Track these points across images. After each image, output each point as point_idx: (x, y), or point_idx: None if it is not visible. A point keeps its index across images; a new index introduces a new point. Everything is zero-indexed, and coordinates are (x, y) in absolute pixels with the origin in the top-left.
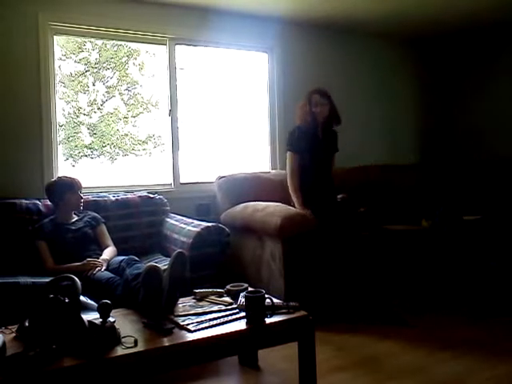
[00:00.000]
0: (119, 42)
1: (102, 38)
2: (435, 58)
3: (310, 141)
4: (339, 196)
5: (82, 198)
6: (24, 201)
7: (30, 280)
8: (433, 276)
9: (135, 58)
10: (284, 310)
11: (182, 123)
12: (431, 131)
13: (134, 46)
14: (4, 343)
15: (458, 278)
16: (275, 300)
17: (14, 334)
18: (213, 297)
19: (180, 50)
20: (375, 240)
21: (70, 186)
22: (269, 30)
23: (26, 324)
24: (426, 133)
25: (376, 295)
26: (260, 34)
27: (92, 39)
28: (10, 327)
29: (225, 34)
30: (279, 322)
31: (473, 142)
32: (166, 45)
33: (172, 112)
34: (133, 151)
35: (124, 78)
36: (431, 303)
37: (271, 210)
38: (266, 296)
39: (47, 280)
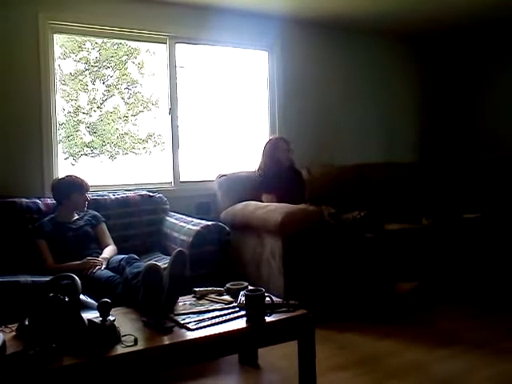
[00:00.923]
0: (119, 41)
1: (102, 37)
2: (434, 56)
3: (277, 183)
4: (356, 213)
5: (88, 199)
6: (24, 199)
7: (29, 279)
8: (432, 274)
9: (135, 57)
10: (284, 309)
11: (182, 122)
12: (430, 129)
13: (133, 44)
14: (4, 342)
15: (457, 276)
16: (275, 298)
17: (14, 333)
18: (213, 295)
19: (180, 48)
20: (379, 241)
21: (79, 187)
22: (269, 29)
23: (26, 323)
24: (425, 131)
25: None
26: (260, 33)
27: (92, 38)
28: (9, 326)
29: (225, 32)
30: (279, 320)
31: (472, 139)
32: (166, 43)
33: (172, 110)
34: (133, 150)
35: (124, 77)
36: (430, 301)
37: (272, 208)
38: (266, 294)
39: (47, 279)
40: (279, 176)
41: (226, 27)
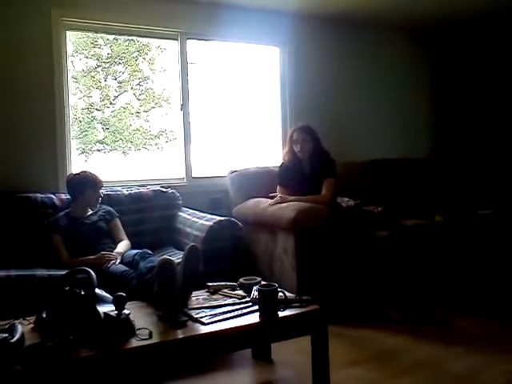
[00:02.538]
0: (131, 37)
1: (113, 34)
2: (447, 49)
3: (296, 176)
4: (373, 207)
5: (101, 196)
6: (39, 195)
7: (45, 272)
8: (446, 271)
9: (146, 54)
10: (297, 304)
11: (193, 117)
12: (444, 124)
13: (144, 41)
14: (23, 334)
15: (472, 273)
16: (288, 294)
17: (31, 325)
18: (226, 290)
19: (191, 44)
20: (395, 239)
21: (92, 183)
22: (280, 24)
23: (44, 315)
24: (439, 126)
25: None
26: (272, 29)
27: (104, 34)
28: (28, 318)
29: (236, 28)
30: (292, 315)
31: (487, 134)
32: (177, 40)
33: (184, 106)
34: (145, 146)
35: (135, 73)
36: (444, 298)
37: (285, 204)
38: (279, 289)
39: (63, 273)
40: (297, 168)
41: (237, 23)
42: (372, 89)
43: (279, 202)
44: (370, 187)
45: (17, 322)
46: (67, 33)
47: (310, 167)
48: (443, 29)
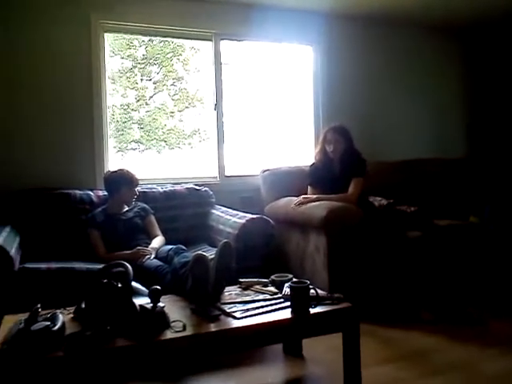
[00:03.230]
0: (165, 39)
1: (149, 35)
2: (484, 47)
3: (326, 176)
4: (405, 207)
5: (136, 194)
6: (78, 191)
7: (84, 266)
8: (481, 272)
9: (180, 54)
10: (328, 301)
11: (226, 117)
12: (479, 124)
13: (178, 42)
14: (63, 323)
15: (507, 275)
16: (320, 291)
17: (71, 315)
18: (258, 286)
19: (224, 44)
20: (428, 239)
21: (128, 181)
22: (313, 24)
23: (83, 306)
24: (474, 125)
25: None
26: (304, 28)
27: (139, 36)
28: (68, 309)
29: (269, 27)
30: (324, 312)
31: None
32: (211, 40)
33: (217, 106)
34: (178, 145)
35: (170, 74)
36: (478, 300)
37: (316, 203)
38: (311, 286)
39: (100, 266)
40: (327, 168)
41: (269, 23)
42: (405, 88)
43: (302, 203)
44: (404, 187)
45: (58, 311)
46: (105, 35)
47: (340, 167)
48: (478, 27)
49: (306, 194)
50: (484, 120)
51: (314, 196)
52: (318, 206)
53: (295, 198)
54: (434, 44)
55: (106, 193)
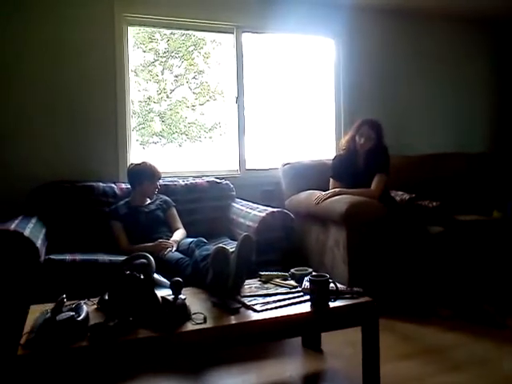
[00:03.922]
0: (187, 32)
1: (172, 28)
2: (508, 41)
3: (349, 169)
4: (428, 202)
5: (158, 187)
6: (101, 184)
7: (107, 258)
8: (504, 269)
9: (201, 48)
10: (348, 295)
11: (247, 110)
12: (504, 118)
13: (200, 35)
14: (87, 313)
15: None
16: (339, 285)
17: (95, 306)
18: (278, 280)
19: (246, 37)
20: (450, 235)
21: (150, 175)
22: (335, 16)
23: (106, 297)
24: (499, 120)
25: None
26: (326, 20)
27: (162, 29)
28: (91, 299)
29: (290, 20)
30: (343, 306)
31: None
32: (233, 33)
33: (238, 99)
34: (199, 138)
35: (191, 67)
36: (500, 297)
37: (337, 198)
38: (330, 280)
39: (122, 258)
40: (351, 161)
41: (291, 15)
42: (429, 82)
43: (322, 199)
44: (427, 182)
45: (82, 302)
46: (128, 28)
47: (364, 161)
48: (504, 19)
49: (328, 186)
50: (509, 115)
51: (337, 189)
52: (338, 201)
53: (316, 192)
54: (459, 36)
55: (128, 186)
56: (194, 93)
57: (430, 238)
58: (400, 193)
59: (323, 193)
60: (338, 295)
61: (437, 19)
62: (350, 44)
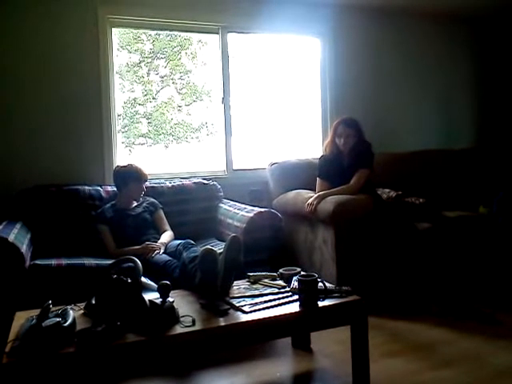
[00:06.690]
0: (173, 32)
1: (156, 29)
2: (493, 36)
3: (335, 168)
4: (414, 199)
5: (144, 190)
6: (87, 187)
7: (93, 262)
8: (490, 264)
9: (187, 48)
10: (337, 294)
11: (234, 110)
12: (488, 114)
13: (185, 35)
14: (74, 319)
15: None
16: (328, 284)
17: (82, 311)
18: (266, 280)
19: (231, 37)
20: (437, 231)
21: (136, 177)
22: (321, 15)
23: (93, 302)
24: (483, 116)
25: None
26: (311, 20)
27: (147, 30)
28: (78, 304)
29: (276, 20)
30: (332, 305)
31: None
32: (218, 33)
33: (225, 99)
34: (186, 139)
35: (177, 68)
36: (488, 293)
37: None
38: (319, 280)
39: (110, 262)
40: (337, 161)
41: (277, 15)
42: (414, 79)
43: (312, 207)
44: (413, 178)
45: (69, 307)
46: (113, 29)
47: (349, 159)
48: (488, 17)
49: (315, 186)
50: (493, 110)
51: (321, 193)
52: (325, 200)
53: (304, 191)
54: (443, 33)
55: (114, 188)
56: (180, 93)
57: (417, 235)
58: (387, 190)
59: (310, 199)
60: (326, 294)
61: (421, 18)
62: (335, 43)
